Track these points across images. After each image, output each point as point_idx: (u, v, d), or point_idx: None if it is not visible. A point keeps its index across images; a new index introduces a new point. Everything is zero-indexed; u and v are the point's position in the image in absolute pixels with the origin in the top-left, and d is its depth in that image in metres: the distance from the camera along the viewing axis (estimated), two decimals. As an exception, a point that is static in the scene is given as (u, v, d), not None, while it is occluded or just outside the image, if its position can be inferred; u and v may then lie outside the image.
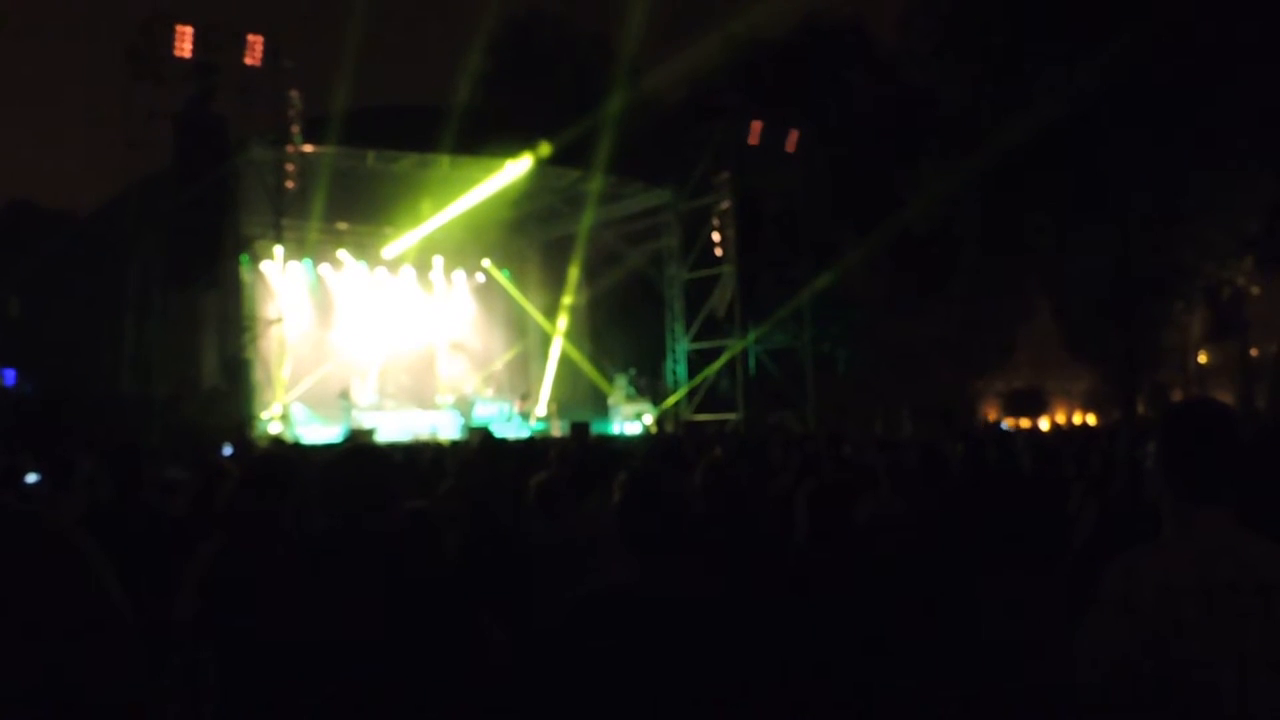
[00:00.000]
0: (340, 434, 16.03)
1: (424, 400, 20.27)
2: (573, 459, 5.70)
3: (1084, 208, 23.06)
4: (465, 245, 21.90)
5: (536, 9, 30.79)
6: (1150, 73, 20.94)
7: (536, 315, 23.12)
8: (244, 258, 16.34)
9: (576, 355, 22.13)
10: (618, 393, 20.47)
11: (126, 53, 14.72)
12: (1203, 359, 26.92)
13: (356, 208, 19.62)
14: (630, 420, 19.91)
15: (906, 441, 9.24)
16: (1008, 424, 24.90)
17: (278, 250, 16.76)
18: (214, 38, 14.91)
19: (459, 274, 22.80)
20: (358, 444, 7.51)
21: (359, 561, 2.53)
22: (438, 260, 22.12)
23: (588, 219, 20.42)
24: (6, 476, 5.53)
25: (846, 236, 22.93)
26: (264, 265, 17.83)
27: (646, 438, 17.65)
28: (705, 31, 30.17)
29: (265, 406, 16.24)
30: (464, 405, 19.53)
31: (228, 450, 10.17)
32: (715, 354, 20.44)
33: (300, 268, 19.33)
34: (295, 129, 15.73)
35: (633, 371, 20.89)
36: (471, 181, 18.27)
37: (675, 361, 21.38)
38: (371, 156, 17.65)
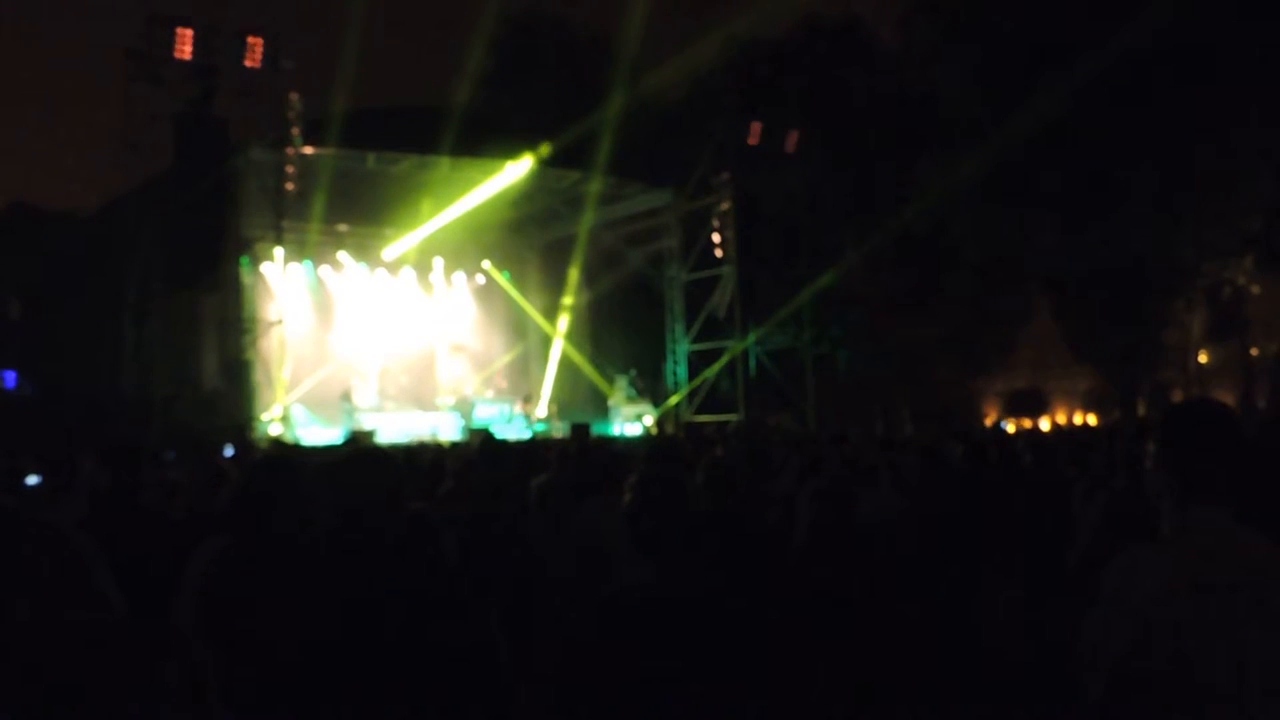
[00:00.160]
0: (341, 436, 16.03)
1: (424, 402, 20.27)
2: (573, 460, 5.70)
3: (1084, 207, 23.06)
4: (465, 247, 21.91)
5: (536, 9, 30.83)
6: (1151, 72, 20.95)
7: (537, 316, 23.13)
8: (244, 259, 16.36)
9: (577, 356, 22.14)
10: (618, 394, 20.47)
11: (126, 54, 14.72)
12: (1203, 359, 26.89)
13: (357, 209, 19.64)
14: (631, 421, 19.91)
15: (907, 441, 9.25)
16: (1008, 424, 24.88)
17: (278, 252, 16.78)
18: (214, 40, 14.94)
19: (459, 275, 22.81)
20: (365, 446, 7.51)
21: (360, 563, 2.53)
22: (438, 262, 22.13)
23: (588, 220, 20.43)
24: (7, 478, 5.54)
25: (846, 236, 22.93)
26: (264, 267, 17.85)
27: (647, 439, 17.65)
28: (705, 31, 30.17)
29: (266, 408, 16.25)
30: (464, 407, 19.53)
31: (229, 451, 10.19)
32: (715, 355, 20.45)
33: (300, 269, 19.35)
34: (295, 130, 15.74)
35: (633, 372, 20.89)
36: (471, 183, 18.28)
37: (676, 362, 21.39)
38: (371, 158, 17.66)
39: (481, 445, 4.47)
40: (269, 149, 16.01)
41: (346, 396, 18.41)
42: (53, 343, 16.68)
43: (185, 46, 14.58)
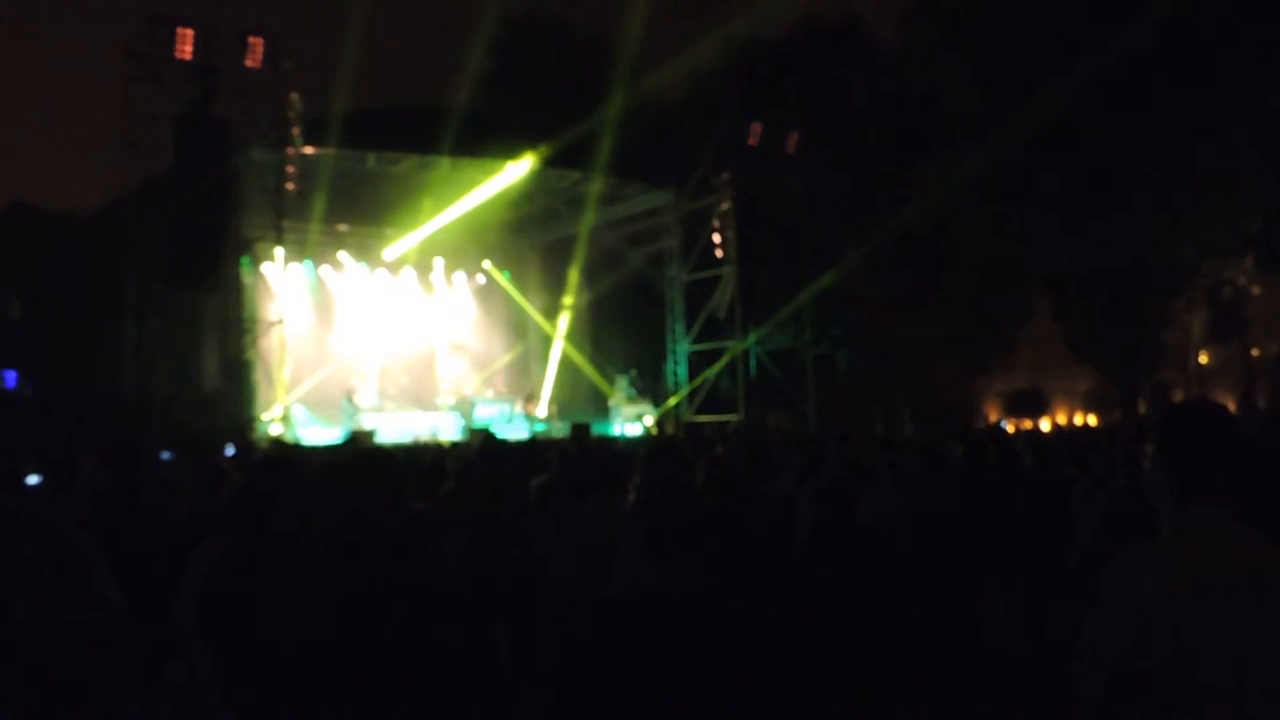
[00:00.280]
0: (341, 436, 16.03)
1: (425, 402, 20.27)
2: (573, 460, 5.70)
3: (1084, 207, 23.06)
4: (466, 246, 21.91)
5: (536, 10, 30.85)
6: (1151, 72, 20.94)
7: (537, 316, 23.13)
8: (245, 259, 16.36)
9: (577, 356, 22.14)
10: (618, 394, 20.48)
11: (127, 54, 14.72)
12: (1203, 359, 26.90)
13: (357, 209, 19.64)
14: (631, 421, 19.91)
15: (907, 441, 9.25)
16: (1008, 425, 24.87)
17: (278, 252, 16.78)
18: (214, 40, 14.93)
19: (459, 275, 22.82)
20: (366, 446, 7.51)
21: (360, 563, 2.53)
22: (438, 262, 22.14)
23: (588, 220, 20.43)
24: (7, 478, 5.54)
25: (846, 236, 22.93)
26: (265, 267, 17.86)
27: (647, 439, 17.65)
28: (705, 32, 30.18)
29: (266, 408, 16.25)
30: (465, 406, 19.53)
31: (229, 451, 10.19)
32: (716, 355, 20.45)
33: (301, 269, 19.35)
34: (296, 131, 15.75)
35: (633, 373, 20.90)
36: (472, 183, 18.28)
37: (676, 362, 21.39)
38: (372, 158, 17.66)
39: (482, 445, 4.47)
40: (269, 149, 16.00)
41: (350, 397, 18.42)
42: (53, 343, 16.68)
43: (185, 46, 14.58)
